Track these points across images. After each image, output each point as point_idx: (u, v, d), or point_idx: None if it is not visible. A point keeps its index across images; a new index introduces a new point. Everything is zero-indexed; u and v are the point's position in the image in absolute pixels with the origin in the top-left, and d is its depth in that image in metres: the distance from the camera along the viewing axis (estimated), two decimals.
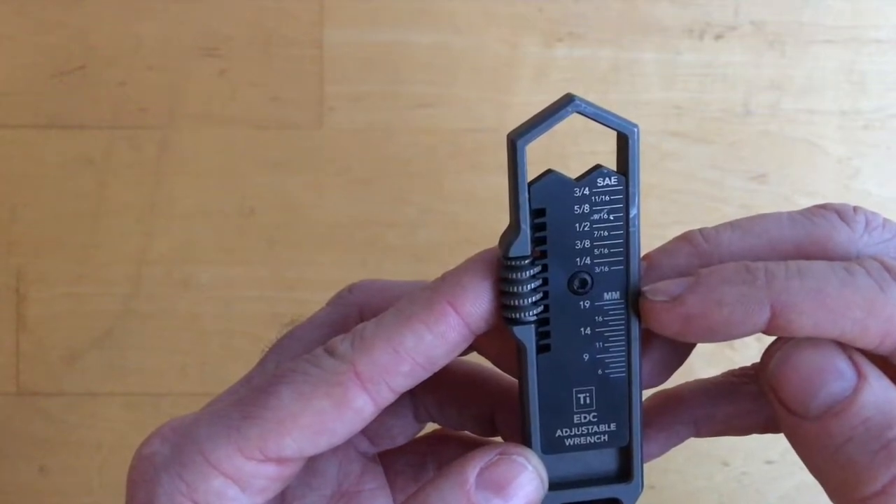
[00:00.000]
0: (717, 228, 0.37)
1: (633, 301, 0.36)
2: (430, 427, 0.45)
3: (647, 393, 0.39)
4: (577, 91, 0.35)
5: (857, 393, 0.34)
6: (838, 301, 0.33)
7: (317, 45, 0.73)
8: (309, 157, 0.73)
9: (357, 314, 0.41)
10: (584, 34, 0.73)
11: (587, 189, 0.35)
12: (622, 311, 0.36)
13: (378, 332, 0.35)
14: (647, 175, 0.71)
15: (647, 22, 0.73)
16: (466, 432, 0.43)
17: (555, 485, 0.38)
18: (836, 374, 0.34)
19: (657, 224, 0.72)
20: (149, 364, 0.73)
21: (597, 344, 0.36)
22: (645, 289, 0.36)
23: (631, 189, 0.35)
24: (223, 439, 0.36)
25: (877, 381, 0.34)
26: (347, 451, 0.42)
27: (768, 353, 0.35)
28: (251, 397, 0.36)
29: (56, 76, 0.73)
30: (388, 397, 0.36)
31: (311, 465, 0.41)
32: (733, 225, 0.37)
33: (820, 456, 0.34)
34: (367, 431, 0.42)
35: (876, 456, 0.33)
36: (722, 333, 0.34)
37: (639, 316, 0.36)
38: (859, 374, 0.34)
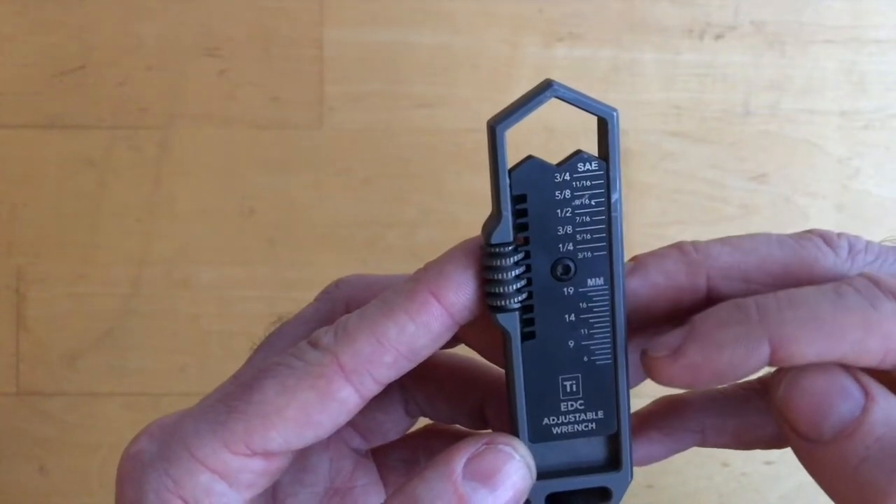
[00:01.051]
0: (706, 242, 0.37)
1: (619, 287, 0.36)
2: (422, 422, 0.44)
3: (653, 394, 0.39)
4: None
5: (867, 412, 0.33)
6: (834, 326, 0.33)
7: (317, 45, 0.73)
8: (309, 157, 0.73)
9: (344, 309, 0.40)
10: (584, 34, 0.73)
11: (568, 174, 0.35)
12: (606, 297, 0.36)
13: (361, 323, 0.35)
14: (647, 175, 0.71)
15: (647, 22, 0.73)
16: (457, 426, 0.43)
17: (543, 474, 0.37)
18: (844, 395, 0.34)
19: (657, 224, 0.72)
20: (149, 364, 0.73)
21: (582, 330, 0.36)
22: (646, 347, 0.36)
23: (612, 174, 0.35)
24: (209, 435, 0.36)
25: (884, 399, 0.34)
26: (339, 448, 0.42)
27: (774, 382, 0.35)
28: (236, 392, 0.36)
29: (56, 76, 0.73)
30: (372, 388, 0.35)
31: (303, 461, 0.41)
32: (723, 240, 0.37)
33: (838, 479, 0.34)
34: (359, 427, 0.42)
35: (893, 473, 0.33)
36: (730, 375, 0.34)
37: (623, 303, 0.36)
38: (866, 393, 0.34)
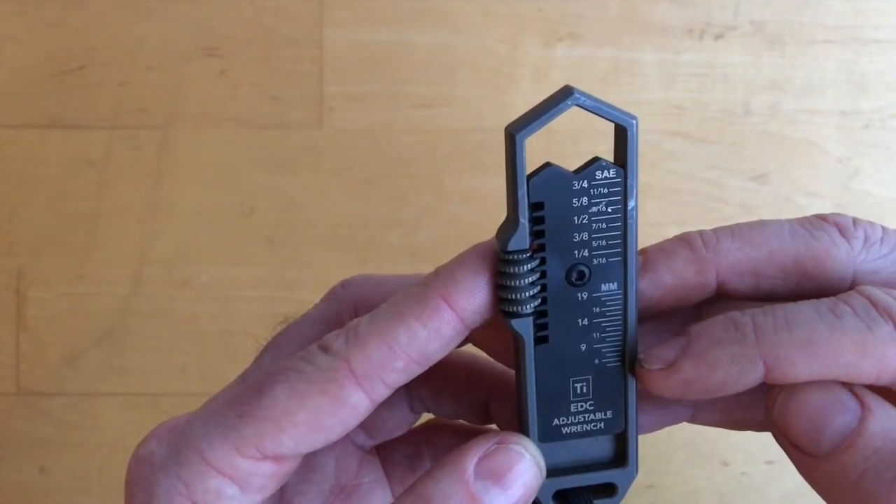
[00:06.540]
0: (717, 234, 0.37)
1: (632, 291, 0.36)
2: (426, 417, 0.45)
3: None
4: None
5: (864, 424, 0.33)
6: (828, 349, 0.33)
7: (317, 45, 0.73)
8: (309, 157, 0.73)
9: (351, 310, 0.41)
10: (584, 34, 0.73)
11: (586, 182, 0.35)
12: (619, 302, 0.36)
13: (372, 328, 0.35)
14: (647, 175, 0.71)
15: (647, 22, 0.73)
16: (461, 421, 0.43)
17: (551, 471, 0.38)
18: (840, 408, 0.34)
19: (656, 224, 0.72)
20: (149, 364, 0.73)
21: (594, 334, 0.36)
22: (640, 356, 0.36)
23: (629, 181, 0.35)
24: (219, 438, 0.35)
25: (881, 410, 0.34)
26: (345, 446, 0.42)
27: (771, 397, 0.35)
28: (246, 396, 0.36)
29: (56, 76, 0.73)
30: (383, 393, 0.35)
31: (309, 460, 0.41)
32: (734, 232, 0.37)
33: (839, 493, 0.34)
34: (364, 424, 0.42)
35: (893, 485, 0.33)
36: (723, 391, 0.35)
37: (636, 306, 0.36)
38: (863, 405, 0.34)
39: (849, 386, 0.34)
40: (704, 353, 0.34)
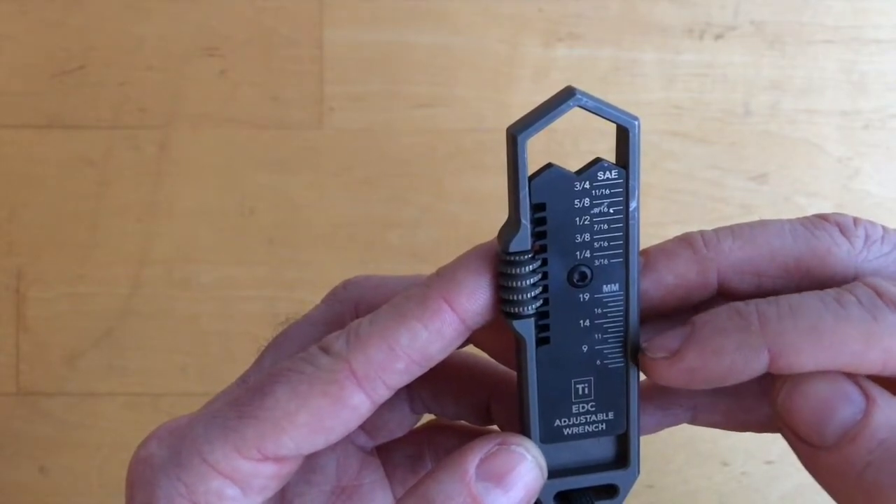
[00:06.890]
0: (718, 234, 0.37)
1: (634, 292, 0.36)
2: (427, 418, 0.45)
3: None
4: None
5: (869, 416, 0.33)
6: (833, 338, 0.33)
7: (317, 45, 0.73)
8: (309, 157, 0.73)
9: (352, 311, 0.41)
10: (584, 34, 0.73)
11: (587, 183, 0.35)
12: (621, 303, 0.36)
13: (373, 329, 0.35)
14: (647, 175, 0.71)
15: (647, 22, 0.73)
16: (463, 422, 0.43)
17: (553, 472, 0.38)
18: (845, 400, 0.34)
19: (657, 223, 0.72)
20: (149, 364, 0.73)
21: (596, 335, 0.36)
22: (643, 345, 0.36)
23: (631, 182, 0.35)
24: (220, 440, 0.35)
25: (886, 402, 0.34)
26: (345, 446, 0.42)
27: (775, 388, 0.35)
28: (247, 397, 0.36)
29: (56, 76, 0.73)
30: (384, 394, 0.35)
31: (310, 461, 0.41)
32: (734, 232, 0.37)
33: (843, 484, 0.34)
34: (365, 425, 0.42)
35: None
36: (727, 380, 0.34)
37: (638, 307, 0.36)
38: (868, 397, 0.34)
39: (854, 377, 0.34)
40: (709, 342, 0.34)
